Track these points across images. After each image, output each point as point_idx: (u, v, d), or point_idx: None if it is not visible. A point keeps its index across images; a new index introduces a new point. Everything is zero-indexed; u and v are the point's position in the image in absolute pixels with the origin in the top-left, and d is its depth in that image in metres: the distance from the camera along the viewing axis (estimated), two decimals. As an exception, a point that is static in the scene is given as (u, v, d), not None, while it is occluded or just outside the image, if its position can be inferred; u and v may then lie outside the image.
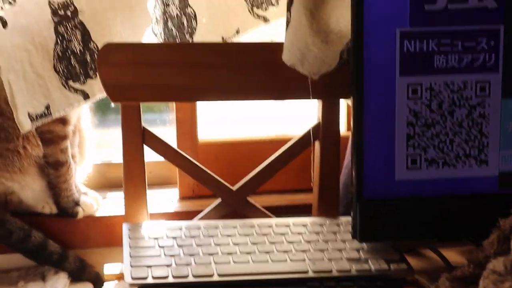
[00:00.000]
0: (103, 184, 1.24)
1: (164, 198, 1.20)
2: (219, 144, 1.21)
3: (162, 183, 1.25)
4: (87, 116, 1.14)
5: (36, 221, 1.07)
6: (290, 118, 1.29)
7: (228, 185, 1.01)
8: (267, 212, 1.02)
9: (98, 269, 1.08)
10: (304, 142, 1.02)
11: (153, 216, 1.00)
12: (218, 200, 1.02)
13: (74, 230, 1.09)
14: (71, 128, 1.08)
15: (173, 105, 1.21)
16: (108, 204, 1.16)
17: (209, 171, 1.00)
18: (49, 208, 1.10)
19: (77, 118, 1.10)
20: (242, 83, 0.98)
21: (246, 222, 0.97)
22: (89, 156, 1.16)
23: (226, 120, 1.29)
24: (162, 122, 1.30)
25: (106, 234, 1.10)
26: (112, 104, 0.98)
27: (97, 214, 1.11)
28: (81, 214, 1.09)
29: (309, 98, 0.96)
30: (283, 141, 1.12)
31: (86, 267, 1.08)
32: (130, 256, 0.86)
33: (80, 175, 1.14)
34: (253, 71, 0.98)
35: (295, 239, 0.92)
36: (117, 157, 1.22)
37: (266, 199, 1.06)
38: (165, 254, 0.87)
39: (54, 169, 1.07)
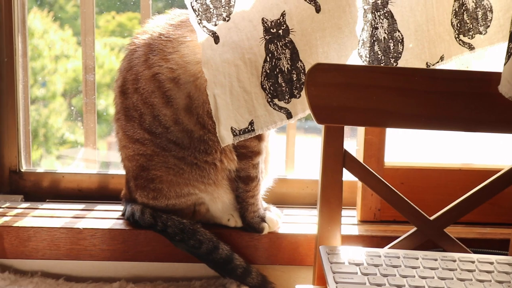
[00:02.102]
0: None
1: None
2: (405, 169, 1.17)
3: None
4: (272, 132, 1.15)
5: (221, 233, 1.08)
6: (474, 147, 1.25)
7: (425, 215, 0.98)
8: (464, 246, 0.99)
9: (279, 286, 1.08)
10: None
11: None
12: (414, 229, 0.99)
13: (257, 245, 1.09)
14: (265, 145, 1.08)
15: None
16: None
17: (409, 201, 0.98)
18: (234, 221, 1.10)
19: (267, 134, 1.10)
20: (455, 111, 0.95)
21: (447, 256, 0.94)
22: (272, 171, 1.16)
23: (412, 144, 1.26)
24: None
25: (288, 251, 1.09)
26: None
27: (280, 231, 1.11)
28: (266, 230, 1.09)
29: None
30: (472, 171, 1.09)
31: (266, 284, 1.08)
32: (335, 282, 0.85)
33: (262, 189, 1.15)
34: (466, 101, 0.94)
35: (503, 279, 0.89)
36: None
37: (452, 230, 1.02)
38: (370, 283, 0.86)
39: (244, 184, 1.08)
